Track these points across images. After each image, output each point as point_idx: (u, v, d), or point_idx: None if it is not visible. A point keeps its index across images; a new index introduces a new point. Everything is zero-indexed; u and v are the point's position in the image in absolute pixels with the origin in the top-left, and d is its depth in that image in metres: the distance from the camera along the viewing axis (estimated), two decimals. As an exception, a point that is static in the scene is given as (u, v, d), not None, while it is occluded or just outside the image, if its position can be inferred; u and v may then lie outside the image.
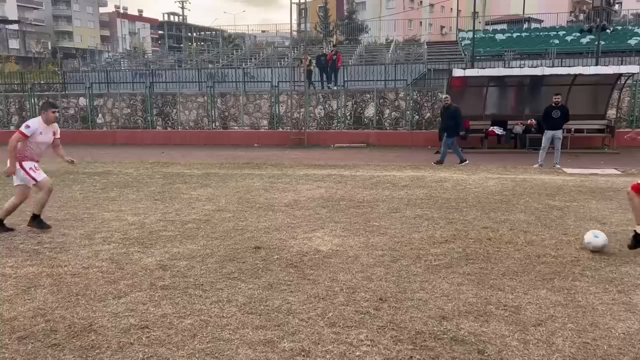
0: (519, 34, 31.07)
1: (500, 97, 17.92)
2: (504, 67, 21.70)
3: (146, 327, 3.74)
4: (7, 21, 72.55)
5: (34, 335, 3.64)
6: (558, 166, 12.32)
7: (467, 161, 12.88)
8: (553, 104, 12.53)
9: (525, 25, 38.19)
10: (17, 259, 5.38)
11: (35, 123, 6.37)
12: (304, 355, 3.33)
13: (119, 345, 3.47)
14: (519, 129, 16.29)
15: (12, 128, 23.50)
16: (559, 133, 12.52)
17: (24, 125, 6.35)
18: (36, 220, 6.56)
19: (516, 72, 16.92)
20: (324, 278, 4.75)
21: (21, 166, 6.33)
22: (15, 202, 6.49)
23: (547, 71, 15.82)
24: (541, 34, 30.46)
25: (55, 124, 6.71)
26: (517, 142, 16.56)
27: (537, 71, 15.91)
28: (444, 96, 14.22)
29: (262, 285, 4.59)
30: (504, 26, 41.24)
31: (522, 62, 23.86)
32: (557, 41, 27.49)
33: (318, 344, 3.48)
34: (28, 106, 23.49)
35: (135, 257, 5.39)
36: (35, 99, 23.53)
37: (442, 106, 14.18)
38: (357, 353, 3.36)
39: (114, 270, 5.00)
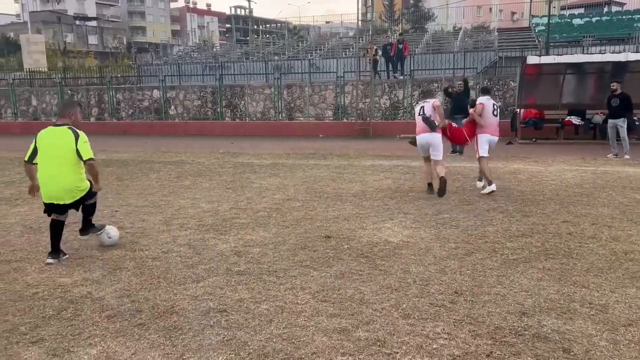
0: (598, 18, 29.30)
1: (578, 85, 16.96)
2: (582, 53, 20.53)
3: (224, 310, 3.85)
4: (87, 18, 76.84)
5: (121, 314, 3.84)
6: (627, 157, 11.67)
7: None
8: (611, 92, 12.08)
9: (606, 9, 35.95)
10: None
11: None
12: (379, 345, 3.31)
13: (199, 327, 3.59)
14: (598, 118, 15.36)
15: (92, 120, 24.90)
16: (620, 122, 11.99)
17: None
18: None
19: (597, 58, 15.93)
20: (395, 269, 4.70)
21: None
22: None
23: (632, 57, 14.79)
24: (624, 17, 28.55)
25: None
26: (596, 133, 15.66)
27: (621, 57, 14.91)
28: (458, 82, 14.00)
29: (333, 274, 4.61)
30: (582, 10, 39.04)
31: (602, 47, 22.49)
32: (641, 25, 25.69)
33: (393, 334, 3.45)
34: (107, 98, 24.76)
35: (211, 243, 5.57)
36: (113, 92, 24.76)
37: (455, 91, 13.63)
38: (434, 346, 3.30)
39: (191, 255, 5.19)
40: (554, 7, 34.15)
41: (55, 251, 5.09)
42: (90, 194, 5.19)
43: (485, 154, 8.07)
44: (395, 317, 3.71)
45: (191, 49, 40.35)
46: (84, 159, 4.90)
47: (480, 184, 8.44)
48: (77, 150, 4.89)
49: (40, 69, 32.73)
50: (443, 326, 3.56)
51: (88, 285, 4.42)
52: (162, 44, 52.56)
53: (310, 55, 29.94)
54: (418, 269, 4.70)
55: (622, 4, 39.27)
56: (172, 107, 23.93)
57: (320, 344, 3.33)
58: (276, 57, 30.85)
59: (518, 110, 16.16)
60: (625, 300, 3.93)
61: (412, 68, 21.88)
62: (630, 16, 28.27)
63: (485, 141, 8.07)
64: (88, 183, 5.10)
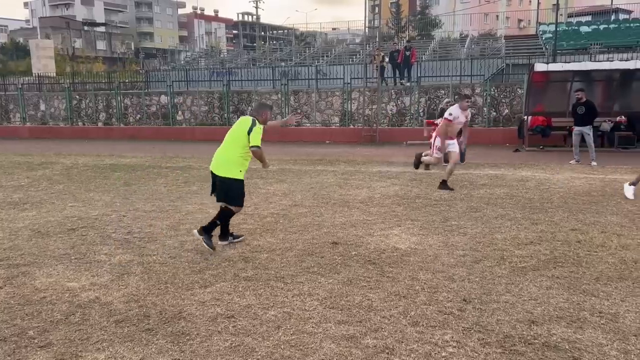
0: (606, 25, 29.20)
1: (585, 93, 16.90)
2: (590, 61, 20.46)
3: (232, 316, 3.85)
4: (95, 24, 77.39)
5: (129, 319, 3.84)
6: (594, 164, 11.80)
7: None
8: (577, 101, 12.35)
9: (613, 17, 35.86)
10: (110, 247, 5.71)
11: (455, 110, 8.76)
12: (388, 353, 3.30)
13: (207, 333, 3.59)
14: (606, 126, 15.32)
15: (99, 125, 25.04)
16: (586, 129, 12.19)
17: (447, 113, 8.85)
18: (444, 184, 8.91)
19: (606, 66, 15.87)
20: (403, 276, 4.69)
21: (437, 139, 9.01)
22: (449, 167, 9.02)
23: (641, 64, 14.73)
24: (631, 25, 28.46)
25: (468, 110, 8.97)
26: (604, 140, 15.59)
27: (630, 65, 14.85)
28: (445, 100, 14.00)
29: (341, 280, 4.60)
30: (589, 18, 38.97)
31: (610, 55, 22.42)
32: (649, 33, 25.59)
33: (402, 342, 3.44)
34: (114, 104, 24.89)
35: (219, 249, 5.57)
36: (121, 97, 24.90)
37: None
38: (443, 354, 3.28)
39: (199, 260, 5.19)
40: (561, 14, 34.09)
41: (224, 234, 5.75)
42: (239, 197, 5.64)
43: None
44: (404, 325, 3.69)
45: (198, 54, 40.51)
46: (251, 144, 5.44)
47: None
48: (248, 134, 5.43)
49: (49, 74, 32.96)
50: (452, 334, 3.54)
51: (96, 290, 4.43)
52: (169, 49, 52.75)
53: (317, 62, 30.00)
54: (426, 276, 4.69)
55: (629, 12, 39.17)
56: (180, 112, 24.02)
57: (329, 351, 3.32)
58: (283, 64, 30.94)
59: (525, 117, 16.12)
60: (635, 310, 3.89)
61: (419, 75, 21.89)
62: (637, 24, 28.18)
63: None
64: (241, 175, 5.56)
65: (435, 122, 11.46)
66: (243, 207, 5.82)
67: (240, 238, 5.88)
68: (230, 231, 5.88)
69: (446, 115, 8.81)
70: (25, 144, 20.24)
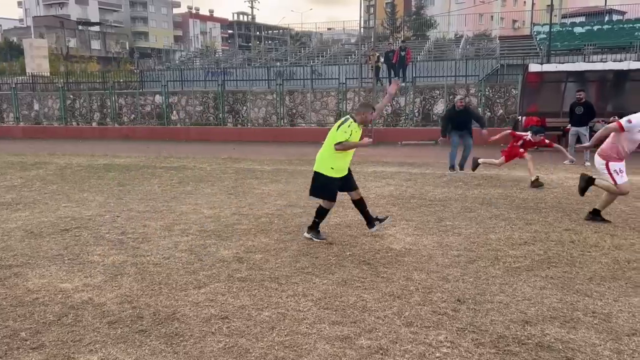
0: (599, 26, 29.35)
1: (579, 93, 17.01)
2: (584, 61, 20.57)
3: (226, 317, 3.84)
4: (90, 23, 77.09)
5: (122, 320, 3.82)
6: (588, 164, 11.81)
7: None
8: (576, 100, 12.41)
9: (607, 18, 36.05)
10: (103, 248, 5.68)
11: (638, 118, 5.99)
12: (382, 354, 3.29)
13: (201, 334, 3.58)
14: (600, 127, 15.39)
15: (94, 124, 24.94)
16: (583, 130, 12.31)
17: (625, 118, 6.05)
18: (595, 214, 6.58)
19: (599, 66, 15.96)
20: (398, 276, 4.69)
21: (607, 166, 6.32)
22: (609, 198, 6.53)
23: (634, 65, 14.83)
24: (625, 26, 28.63)
25: None
26: (597, 141, 15.66)
27: (623, 65, 14.96)
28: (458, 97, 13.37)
29: (336, 280, 4.59)
30: (583, 19, 39.17)
31: (604, 56, 22.54)
32: (642, 33, 25.73)
33: (396, 342, 3.44)
34: (109, 103, 24.80)
35: (213, 249, 5.56)
36: (115, 97, 24.80)
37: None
38: (437, 354, 3.28)
39: (193, 261, 5.18)
40: (555, 15, 34.22)
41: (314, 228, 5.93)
42: (322, 190, 5.78)
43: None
44: (398, 325, 3.69)
45: (193, 54, 40.45)
46: (332, 144, 5.55)
47: None
48: (335, 134, 5.57)
49: (43, 73, 32.81)
50: (446, 334, 3.54)
51: (89, 291, 4.41)
52: (164, 49, 52.71)
53: (312, 62, 29.99)
54: (420, 276, 4.69)
55: (622, 13, 39.38)
56: (174, 112, 23.96)
57: (323, 352, 3.31)
58: (278, 63, 30.91)
59: (520, 117, 16.18)
60: (628, 309, 3.91)
61: (414, 75, 21.94)
62: (631, 25, 28.34)
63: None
64: (332, 172, 5.66)
65: (523, 136, 9.42)
66: (334, 202, 5.85)
67: (386, 221, 6.02)
68: (375, 216, 6.02)
69: (623, 120, 6.09)
70: (19, 144, 20.14)
